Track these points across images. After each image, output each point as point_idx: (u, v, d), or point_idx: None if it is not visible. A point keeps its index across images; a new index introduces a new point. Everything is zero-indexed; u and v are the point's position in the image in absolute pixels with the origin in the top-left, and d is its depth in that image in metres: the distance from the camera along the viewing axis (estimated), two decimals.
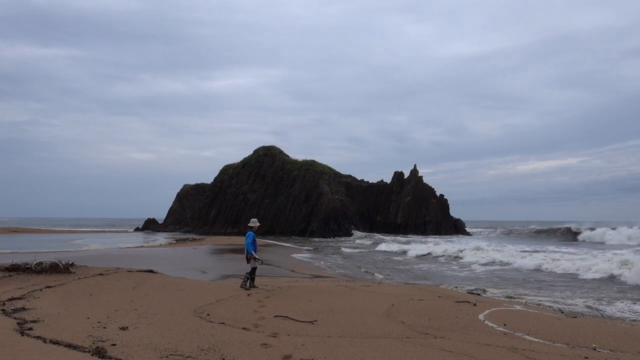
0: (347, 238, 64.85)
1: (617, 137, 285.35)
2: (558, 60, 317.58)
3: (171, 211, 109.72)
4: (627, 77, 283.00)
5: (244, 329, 7.86)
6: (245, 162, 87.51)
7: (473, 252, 31.56)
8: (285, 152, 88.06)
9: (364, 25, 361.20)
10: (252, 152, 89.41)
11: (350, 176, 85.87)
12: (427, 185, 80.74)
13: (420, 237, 65.27)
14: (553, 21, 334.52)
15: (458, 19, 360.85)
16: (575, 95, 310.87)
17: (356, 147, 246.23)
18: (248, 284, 12.54)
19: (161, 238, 60.55)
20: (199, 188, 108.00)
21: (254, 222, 13.44)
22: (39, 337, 6.74)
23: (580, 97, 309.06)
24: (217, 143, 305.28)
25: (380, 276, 21.53)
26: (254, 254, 12.83)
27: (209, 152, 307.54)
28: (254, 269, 12.82)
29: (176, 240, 53.52)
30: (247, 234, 13.07)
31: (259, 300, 10.73)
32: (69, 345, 6.38)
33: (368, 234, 70.34)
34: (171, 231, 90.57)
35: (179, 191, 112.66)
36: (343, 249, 41.79)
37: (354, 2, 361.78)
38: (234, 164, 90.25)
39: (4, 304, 9.30)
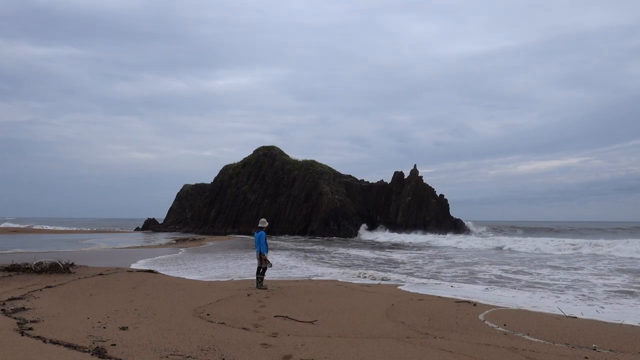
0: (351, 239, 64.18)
1: (620, 136, 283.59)
2: (563, 59, 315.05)
3: (171, 211, 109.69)
4: (632, 76, 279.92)
5: (244, 329, 7.86)
6: (245, 162, 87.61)
7: None
8: (286, 152, 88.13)
9: (367, 24, 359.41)
10: (252, 152, 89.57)
11: (350, 176, 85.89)
12: (427, 185, 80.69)
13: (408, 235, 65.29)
14: (557, 20, 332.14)
15: (462, 17, 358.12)
16: (580, 95, 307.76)
17: (357, 147, 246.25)
18: (263, 284, 12.90)
19: (161, 238, 60.52)
20: (199, 188, 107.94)
21: (263, 222, 13.70)
22: (39, 337, 6.74)
23: (585, 96, 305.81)
24: (218, 143, 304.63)
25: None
26: (266, 255, 13.06)
27: (209, 152, 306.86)
28: (264, 269, 13.04)
29: (176, 240, 53.47)
30: (258, 234, 13.19)
31: (259, 300, 10.74)
32: (69, 345, 6.37)
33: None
34: (171, 231, 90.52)
35: (179, 191, 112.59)
36: None
37: (356, 1, 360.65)
38: (234, 164, 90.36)
39: (4, 304, 9.31)
